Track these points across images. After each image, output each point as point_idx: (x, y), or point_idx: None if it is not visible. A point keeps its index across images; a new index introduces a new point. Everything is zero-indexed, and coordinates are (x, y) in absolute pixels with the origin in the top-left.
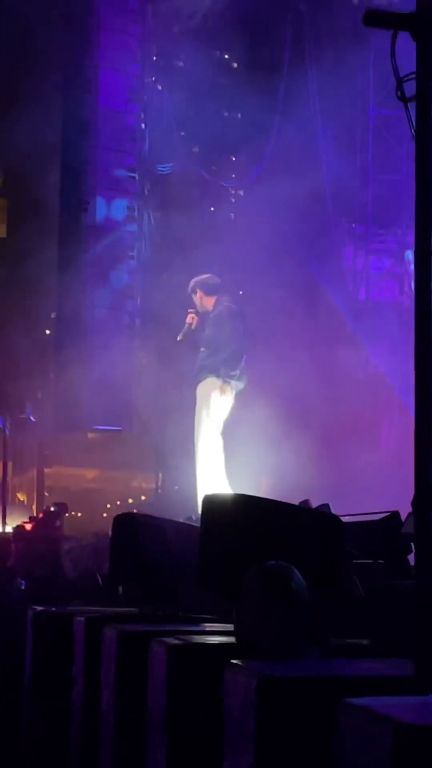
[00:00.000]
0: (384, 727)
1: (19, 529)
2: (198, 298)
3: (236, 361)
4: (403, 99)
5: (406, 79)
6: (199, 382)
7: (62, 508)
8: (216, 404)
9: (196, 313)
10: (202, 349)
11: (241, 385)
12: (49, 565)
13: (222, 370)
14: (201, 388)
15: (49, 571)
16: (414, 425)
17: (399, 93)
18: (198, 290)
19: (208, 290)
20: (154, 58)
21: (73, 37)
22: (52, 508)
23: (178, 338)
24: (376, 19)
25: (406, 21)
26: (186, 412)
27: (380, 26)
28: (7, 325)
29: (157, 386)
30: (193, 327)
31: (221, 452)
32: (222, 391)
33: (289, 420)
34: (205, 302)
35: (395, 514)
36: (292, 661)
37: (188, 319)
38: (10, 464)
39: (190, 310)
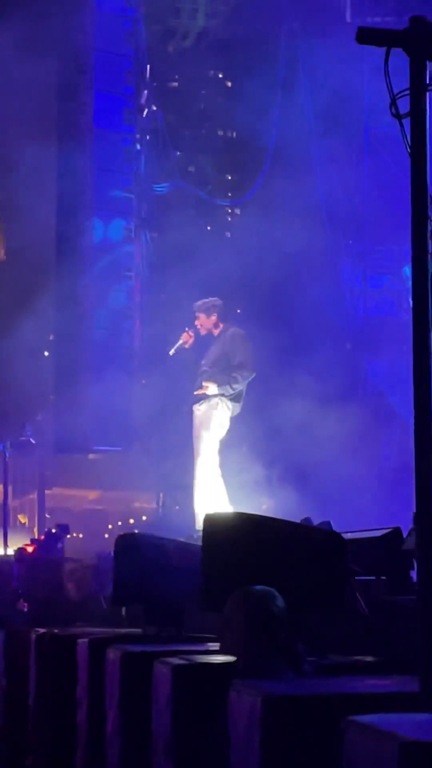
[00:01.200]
0: (389, 744)
1: (20, 551)
2: (201, 319)
3: (248, 373)
4: (398, 116)
5: (399, 95)
6: (198, 401)
7: (63, 529)
8: (215, 423)
9: (195, 332)
10: (203, 364)
11: (237, 409)
12: (52, 587)
13: (226, 380)
14: (200, 408)
15: (52, 593)
16: (414, 441)
17: (393, 110)
18: (201, 312)
19: (210, 312)
20: (149, 78)
21: (67, 60)
22: (53, 530)
23: (170, 352)
24: (368, 36)
25: (398, 38)
26: (186, 432)
27: (373, 43)
28: (5, 348)
29: (157, 406)
30: (187, 346)
31: (219, 471)
32: (219, 409)
33: (288, 438)
34: (207, 323)
35: (397, 531)
36: (270, 680)
37: (183, 337)
38: (10, 487)
39: (187, 329)
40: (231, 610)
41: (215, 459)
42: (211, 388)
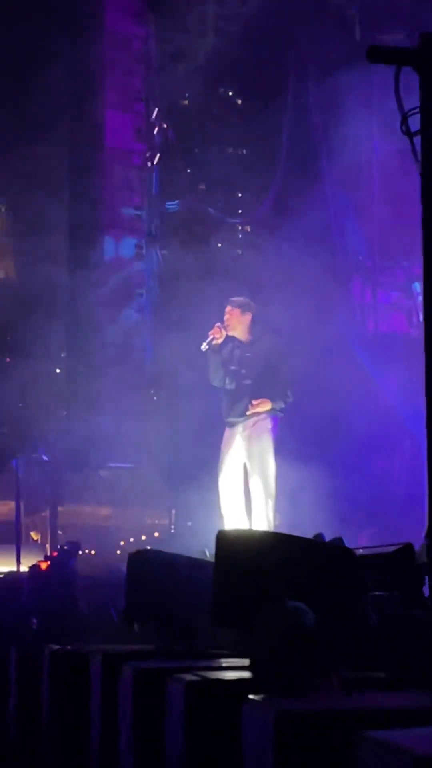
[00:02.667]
0: (403, 759)
1: (34, 568)
2: (235, 316)
3: (291, 392)
4: (408, 133)
5: (410, 113)
6: (243, 416)
7: (75, 546)
8: (268, 440)
9: (224, 327)
10: (243, 374)
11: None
12: (64, 604)
13: (280, 396)
14: (247, 425)
15: (64, 610)
16: (426, 457)
17: (404, 127)
18: (236, 308)
19: (245, 309)
20: (159, 96)
21: (78, 78)
22: (65, 547)
23: (203, 347)
24: (379, 54)
25: (409, 56)
26: (199, 447)
27: (383, 62)
28: (17, 365)
29: (169, 423)
30: (217, 342)
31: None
32: (270, 425)
33: (299, 454)
34: (240, 322)
35: (409, 546)
36: (299, 696)
37: (213, 332)
38: (22, 503)
39: (218, 324)
40: (265, 624)
41: (273, 475)
42: (264, 405)
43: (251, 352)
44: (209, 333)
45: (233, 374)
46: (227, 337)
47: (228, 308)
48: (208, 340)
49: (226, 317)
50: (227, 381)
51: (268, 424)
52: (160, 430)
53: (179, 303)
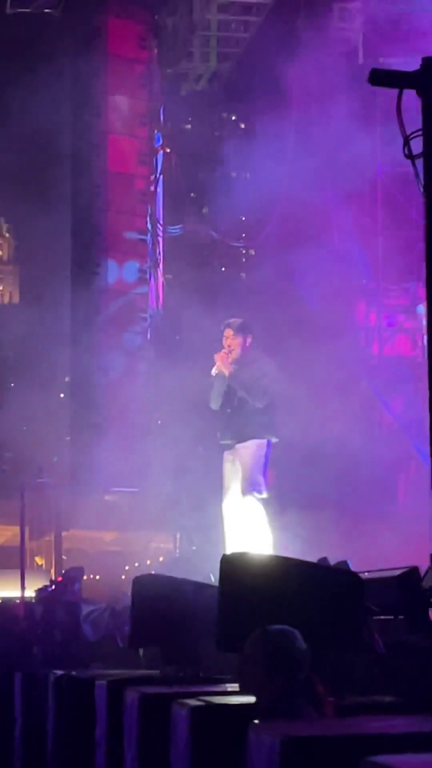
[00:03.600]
0: None
1: (41, 592)
2: (238, 340)
3: (278, 424)
4: (410, 156)
5: (412, 136)
6: (238, 442)
7: (79, 571)
8: (258, 466)
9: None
10: (237, 397)
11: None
12: (68, 629)
13: (268, 432)
14: (246, 446)
15: (69, 635)
16: (431, 479)
17: (406, 150)
18: (236, 331)
19: (246, 332)
20: (162, 120)
21: (81, 103)
22: (70, 572)
23: (213, 372)
24: (381, 78)
25: (411, 79)
26: (203, 471)
27: (386, 85)
28: (21, 390)
29: (173, 447)
30: (225, 369)
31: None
32: (264, 455)
33: (304, 476)
34: (241, 345)
35: (414, 570)
36: (291, 720)
37: (220, 356)
38: (27, 529)
39: (224, 351)
40: (251, 649)
41: (261, 499)
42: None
43: (245, 375)
44: (216, 358)
45: (227, 397)
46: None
47: (226, 331)
48: (216, 366)
49: (224, 340)
50: (222, 404)
51: (261, 449)
52: (165, 455)
53: (183, 327)
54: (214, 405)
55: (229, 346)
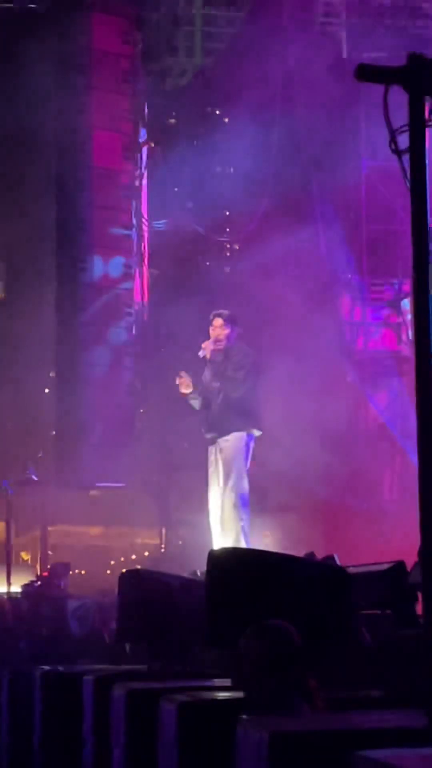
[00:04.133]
0: None
1: (26, 587)
2: (225, 331)
3: (261, 418)
4: (397, 152)
5: (399, 131)
6: (220, 435)
7: (65, 567)
8: (238, 459)
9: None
10: (220, 390)
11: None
12: (55, 625)
13: (249, 426)
14: (228, 440)
15: (55, 631)
16: (418, 473)
17: (392, 146)
18: (226, 321)
19: (228, 322)
20: (147, 115)
21: (65, 98)
22: (55, 568)
23: (200, 354)
24: (368, 73)
25: (397, 74)
26: (188, 467)
27: (372, 80)
28: (6, 386)
29: (159, 442)
30: (207, 357)
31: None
32: (244, 448)
33: (289, 471)
34: (224, 333)
35: (401, 564)
36: (283, 716)
37: (206, 345)
38: (13, 524)
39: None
40: (247, 643)
41: (242, 493)
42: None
43: (228, 368)
44: (203, 345)
45: (210, 390)
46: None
47: (215, 320)
48: (203, 348)
49: (212, 330)
50: (205, 400)
51: (241, 442)
52: (151, 450)
53: (168, 322)
54: (196, 406)
55: (216, 336)
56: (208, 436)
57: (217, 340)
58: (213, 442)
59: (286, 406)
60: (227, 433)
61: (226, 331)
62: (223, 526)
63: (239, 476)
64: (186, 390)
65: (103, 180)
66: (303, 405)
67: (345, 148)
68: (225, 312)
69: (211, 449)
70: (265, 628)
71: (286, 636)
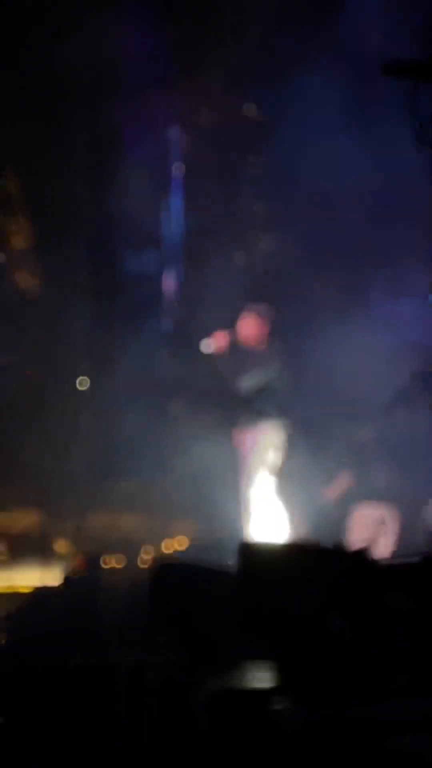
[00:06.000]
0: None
1: (62, 578)
2: (252, 327)
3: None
4: (425, 143)
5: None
6: (249, 424)
7: (99, 558)
8: (270, 451)
9: (231, 335)
10: (252, 380)
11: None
12: (89, 615)
13: (275, 414)
14: (254, 434)
15: (90, 621)
16: None
17: (421, 138)
18: (253, 313)
19: (262, 315)
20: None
21: (97, 92)
22: (89, 559)
23: (206, 347)
24: (395, 69)
25: (425, 70)
26: (219, 458)
27: (399, 76)
28: (38, 378)
29: (191, 433)
30: (219, 351)
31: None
32: (274, 440)
33: (317, 457)
34: (258, 332)
35: None
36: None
37: (217, 336)
38: (47, 515)
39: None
40: (281, 632)
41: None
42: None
43: (261, 359)
44: (213, 337)
45: (241, 380)
46: (238, 342)
47: (246, 314)
48: (210, 344)
49: (243, 323)
50: (236, 386)
51: (269, 431)
52: (183, 441)
53: (199, 315)
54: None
55: (243, 327)
56: (238, 426)
57: (245, 332)
58: (242, 432)
59: (312, 400)
60: (256, 421)
61: (257, 321)
62: (263, 516)
63: (272, 464)
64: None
65: (135, 174)
66: (330, 398)
67: (371, 137)
68: (254, 306)
69: (242, 439)
70: (300, 616)
71: (326, 621)
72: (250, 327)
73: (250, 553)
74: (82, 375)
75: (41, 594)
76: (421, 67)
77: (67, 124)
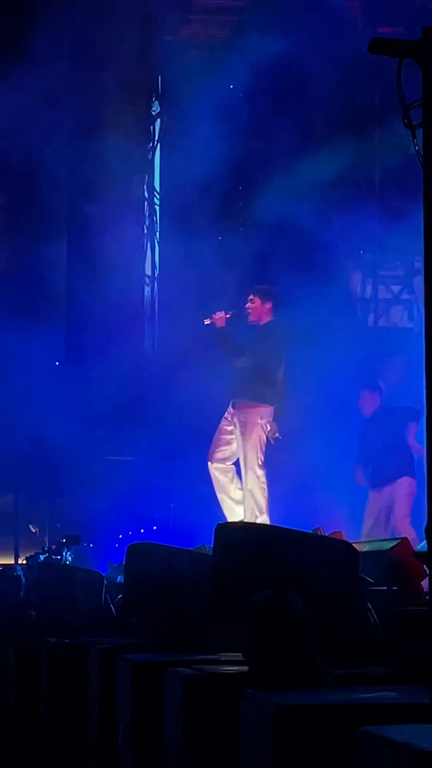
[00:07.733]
0: (401, 755)
1: (31, 559)
2: (256, 303)
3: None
4: (410, 126)
5: (412, 105)
6: (244, 406)
7: (73, 540)
8: (258, 433)
9: (236, 316)
10: (249, 359)
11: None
12: (62, 597)
13: (269, 397)
14: (245, 416)
15: (62, 603)
16: (426, 451)
17: (406, 120)
18: (257, 296)
19: (266, 297)
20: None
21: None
22: (63, 540)
23: (205, 321)
24: (381, 47)
25: (411, 48)
26: (197, 440)
27: (385, 53)
28: (15, 357)
29: (168, 415)
30: (218, 325)
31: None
32: (267, 423)
33: (298, 447)
34: (261, 310)
35: (405, 541)
36: (300, 689)
37: (218, 315)
38: (21, 496)
39: (225, 312)
40: (250, 614)
41: (259, 465)
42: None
43: (261, 338)
44: (213, 317)
45: (240, 356)
46: (239, 319)
47: (251, 296)
48: (209, 319)
49: (248, 305)
50: (234, 362)
51: (260, 414)
52: (160, 423)
53: (184, 291)
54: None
55: (248, 308)
56: (233, 401)
57: (250, 313)
58: (234, 406)
59: (295, 380)
60: (246, 404)
61: (257, 303)
62: (241, 501)
63: (256, 450)
64: (214, 321)
65: (116, 152)
66: (311, 380)
67: (359, 121)
68: (258, 287)
69: (229, 417)
70: (269, 597)
71: (288, 604)
72: (255, 307)
73: (227, 535)
74: (61, 355)
75: (7, 573)
76: (405, 44)
77: None
